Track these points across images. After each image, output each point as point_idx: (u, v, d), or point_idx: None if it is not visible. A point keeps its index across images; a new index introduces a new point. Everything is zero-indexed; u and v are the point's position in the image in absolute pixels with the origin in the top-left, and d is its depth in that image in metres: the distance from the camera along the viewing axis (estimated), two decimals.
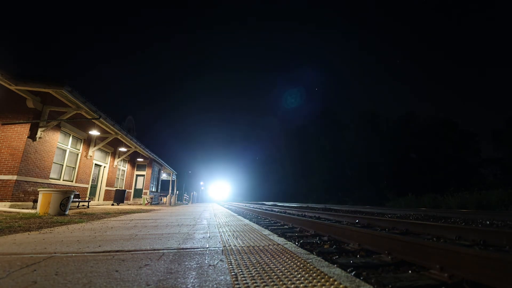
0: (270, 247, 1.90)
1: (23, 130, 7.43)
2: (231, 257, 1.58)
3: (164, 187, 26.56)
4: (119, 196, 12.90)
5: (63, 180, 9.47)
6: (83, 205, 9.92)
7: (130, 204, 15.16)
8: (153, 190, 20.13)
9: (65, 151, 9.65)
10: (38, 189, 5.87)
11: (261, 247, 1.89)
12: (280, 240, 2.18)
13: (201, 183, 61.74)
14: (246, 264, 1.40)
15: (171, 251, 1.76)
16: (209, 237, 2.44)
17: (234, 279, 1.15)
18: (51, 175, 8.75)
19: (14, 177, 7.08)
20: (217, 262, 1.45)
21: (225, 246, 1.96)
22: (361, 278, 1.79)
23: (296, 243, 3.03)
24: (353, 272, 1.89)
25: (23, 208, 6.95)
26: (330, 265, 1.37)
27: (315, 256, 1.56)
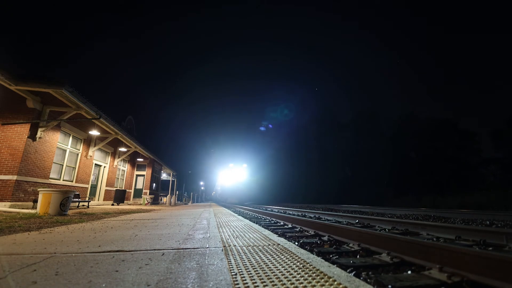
0: (270, 247, 1.90)
1: (23, 130, 7.43)
2: (231, 257, 1.58)
3: (164, 187, 26.58)
4: (119, 196, 12.91)
5: (63, 180, 9.47)
6: (83, 205, 9.93)
7: (130, 204, 15.16)
8: (153, 190, 20.13)
9: (65, 151, 9.66)
10: (38, 189, 5.87)
11: (261, 247, 1.89)
12: (280, 240, 2.18)
13: (201, 183, 61.84)
14: (246, 264, 1.40)
15: (171, 251, 1.76)
16: (209, 237, 2.44)
17: (234, 279, 1.15)
18: (51, 175, 8.76)
19: (14, 177, 7.09)
20: (217, 262, 1.45)
21: (225, 246, 1.96)
22: (361, 278, 1.79)
23: (296, 243, 3.03)
24: (353, 272, 1.89)
25: (23, 208, 6.95)
26: (330, 265, 1.37)
27: (315, 256, 1.56)
